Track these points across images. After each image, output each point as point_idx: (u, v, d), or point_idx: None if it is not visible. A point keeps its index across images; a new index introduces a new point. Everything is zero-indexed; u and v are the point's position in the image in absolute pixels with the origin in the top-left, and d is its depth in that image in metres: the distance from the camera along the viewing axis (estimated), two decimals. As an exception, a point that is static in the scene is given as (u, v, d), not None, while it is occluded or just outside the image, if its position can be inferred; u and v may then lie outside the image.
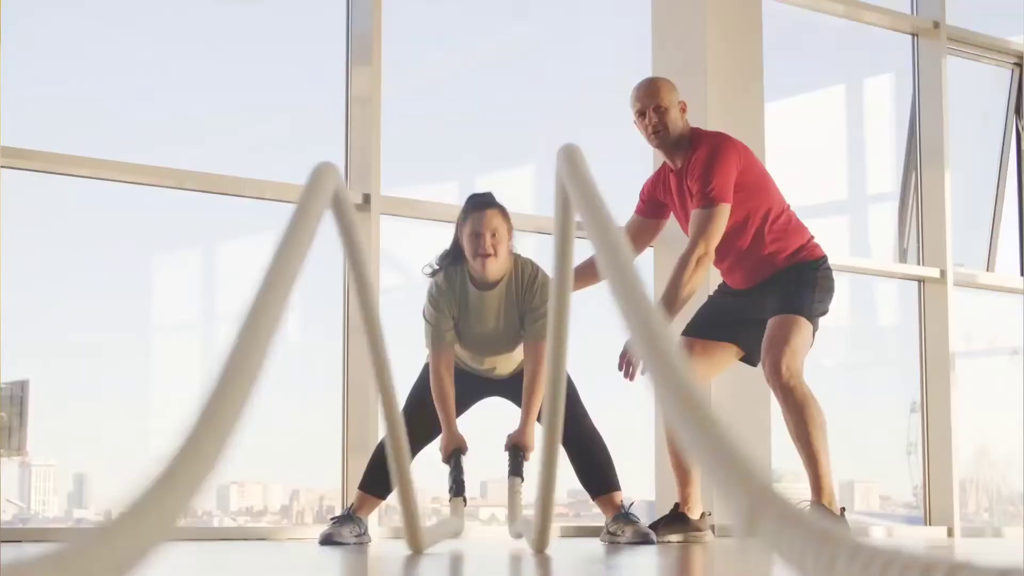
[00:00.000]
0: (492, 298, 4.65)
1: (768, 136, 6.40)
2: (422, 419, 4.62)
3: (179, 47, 6.00)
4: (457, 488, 4.57)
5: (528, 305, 4.64)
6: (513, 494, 4.57)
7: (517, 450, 4.60)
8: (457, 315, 4.67)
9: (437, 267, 4.70)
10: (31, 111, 5.50)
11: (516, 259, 4.68)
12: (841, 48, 7.80)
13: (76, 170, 5.26)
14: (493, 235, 4.56)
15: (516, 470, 4.60)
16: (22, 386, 5.48)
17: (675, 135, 4.94)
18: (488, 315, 4.67)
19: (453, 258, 4.68)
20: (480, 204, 4.62)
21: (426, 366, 4.77)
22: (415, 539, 3.67)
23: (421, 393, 4.70)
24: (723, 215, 4.78)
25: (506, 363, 4.82)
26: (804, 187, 6.21)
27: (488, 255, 4.56)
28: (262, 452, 6.01)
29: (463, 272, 4.66)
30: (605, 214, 2.11)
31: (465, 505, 4.59)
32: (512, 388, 4.80)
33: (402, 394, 4.83)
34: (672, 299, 4.77)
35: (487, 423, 5.22)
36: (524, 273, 4.67)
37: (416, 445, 4.65)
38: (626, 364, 4.75)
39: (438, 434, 4.68)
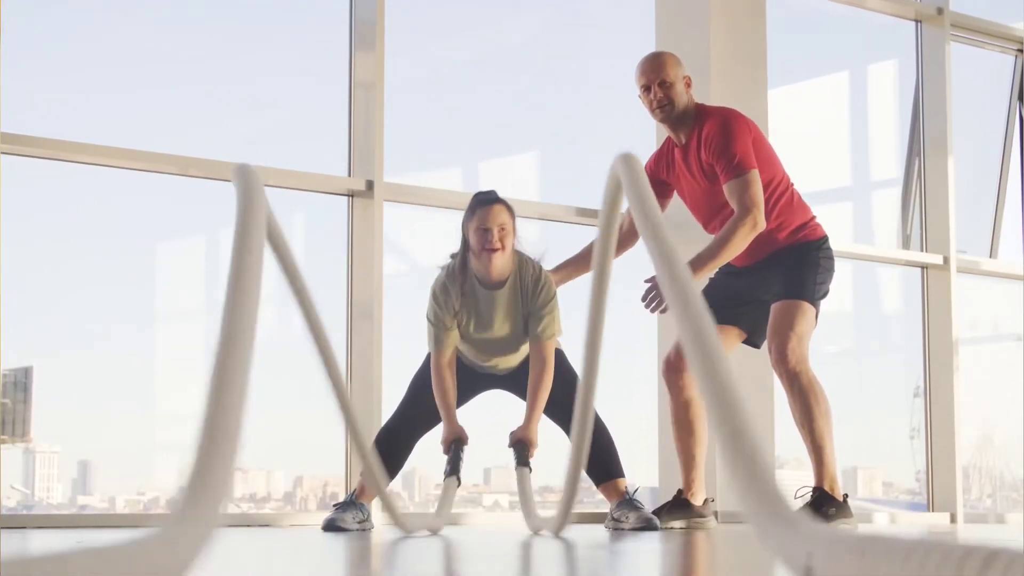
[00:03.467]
0: (500, 297, 4.70)
1: (772, 122, 6.39)
2: (424, 406, 4.64)
3: (182, 34, 5.99)
4: (452, 469, 4.58)
5: (532, 306, 4.70)
6: (523, 485, 4.59)
7: (521, 445, 4.63)
8: (462, 316, 4.70)
9: (444, 273, 4.75)
10: (33, 99, 5.50)
11: (520, 257, 4.73)
12: (844, 34, 7.79)
13: (79, 157, 5.26)
14: (500, 229, 4.64)
15: (522, 461, 4.64)
16: (26, 372, 5.49)
17: (680, 110, 4.94)
18: (495, 315, 4.71)
19: (462, 260, 4.72)
20: (486, 200, 4.69)
21: (428, 355, 4.78)
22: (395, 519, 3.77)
23: (423, 381, 4.72)
24: (757, 179, 4.79)
25: (510, 360, 4.85)
26: (807, 173, 6.20)
27: (495, 249, 4.63)
28: (266, 439, 6.02)
29: (471, 274, 4.71)
30: (660, 224, 2.19)
31: (459, 485, 4.61)
32: (514, 381, 4.83)
33: (402, 384, 4.85)
34: (711, 257, 4.79)
35: (490, 410, 5.23)
36: (528, 272, 4.75)
37: (418, 432, 4.68)
38: (652, 298, 4.76)
39: (439, 421, 4.70)
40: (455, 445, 4.62)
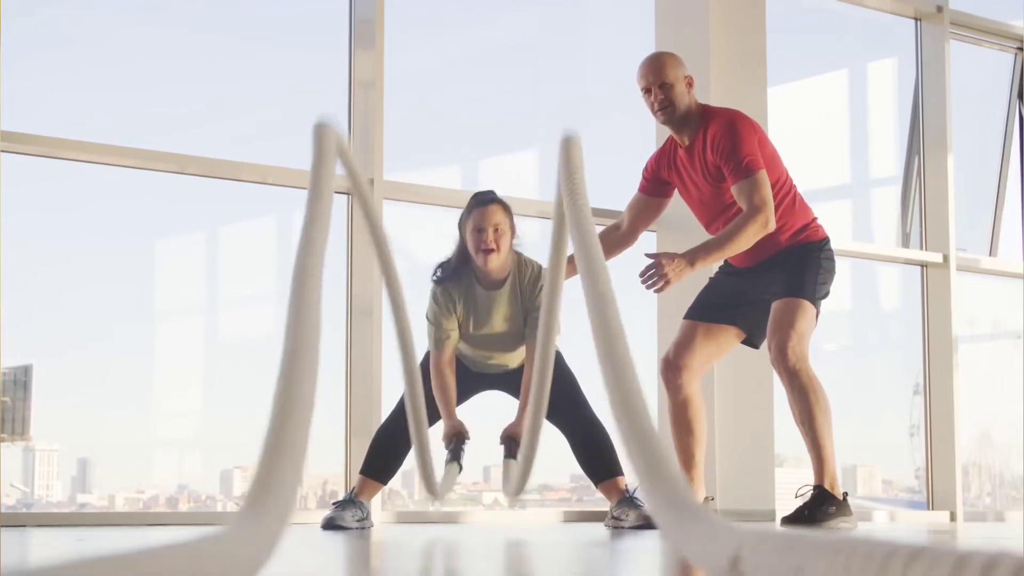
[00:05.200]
0: (499, 297, 4.70)
1: (771, 120, 6.39)
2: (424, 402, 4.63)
3: (181, 32, 5.99)
4: (453, 456, 4.56)
5: (530, 304, 4.68)
6: (508, 470, 4.58)
7: (512, 440, 4.62)
8: (462, 317, 4.70)
9: (441, 272, 4.74)
10: (33, 97, 5.49)
11: (519, 257, 4.73)
12: (844, 32, 7.79)
13: (78, 155, 5.26)
14: (495, 230, 4.64)
15: (511, 454, 4.62)
16: (25, 371, 5.49)
17: (682, 111, 4.92)
18: (495, 315, 4.71)
19: (460, 259, 4.71)
20: (482, 200, 4.68)
21: (427, 353, 4.78)
22: (431, 487, 3.65)
23: (422, 376, 4.71)
24: (766, 180, 4.78)
25: (509, 360, 4.85)
26: (807, 171, 6.21)
27: (491, 250, 4.62)
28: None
29: (470, 272, 4.70)
30: (584, 210, 2.19)
31: (460, 471, 4.58)
32: (513, 382, 4.81)
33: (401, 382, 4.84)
34: (717, 247, 4.76)
35: (490, 409, 5.23)
36: (527, 271, 4.74)
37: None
38: (650, 275, 4.71)
39: (439, 417, 4.69)
40: (456, 440, 4.61)
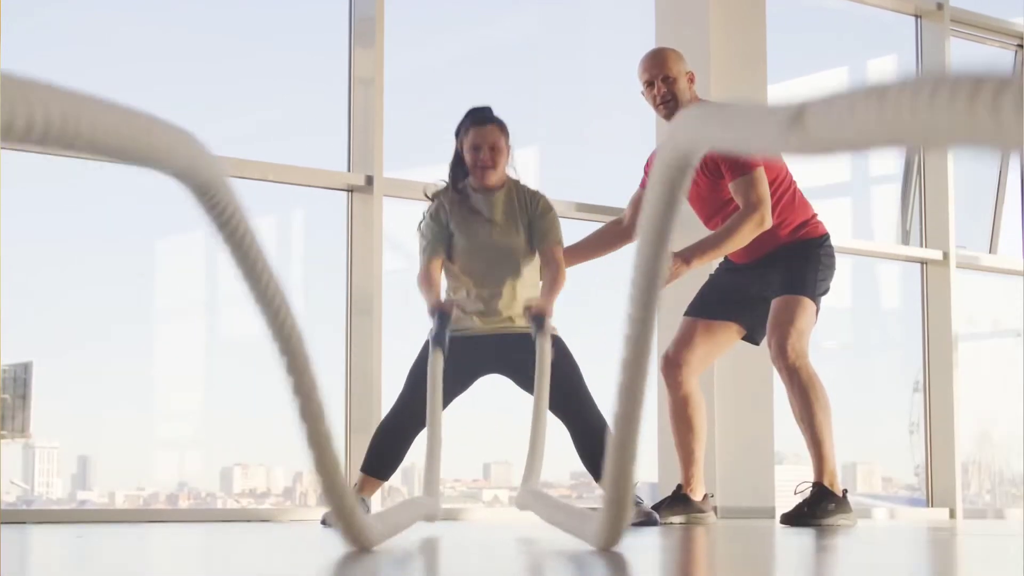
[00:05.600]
0: (498, 199, 4.76)
1: (771, 118, 6.38)
2: (423, 400, 4.62)
3: (182, 30, 5.99)
4: (436, 338, 4.55)
5: (533, 213, 4.78)
6: (543, 354, 4.48)
7: (540, 315, 4.61)
8: (457, 226, 4.72)
9: (445, 181, 4.85)
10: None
11: (516, 180, 4.83)
12: (844, 29, 7.79)
13: (78, 152, 5.25)
14: (492, 148, 4.71)
15: (541, 325, 4.58)
16: (25, 368, 5.50)
17: (684, 105, 4.93)
18: (495, 214, 4.74)
19: (455, 168, 4.82)
20: (480, 119, 4.75)
21: (425, 344, 4.75)
22: (356, 536, 3.03)
23: (420, 373, 4.69)
24: (763, 177, 4.80)
25: (511, 292, 4.75)
26: (807, 168, 6.20)
27: (487, 167, 4.71)
28: (265, 434, 6.02)
29: (466, 184, 4.80)
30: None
31: (444, 356, 4.54)
32: (515, 361, 4.73)
33: (401, 380, 4.84)
34: (713, 246, 4.80)
35: (490, 406, 5.23)
36: (524, 186, 4.83)
37: (417, 426, 4.66)
38: None
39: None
40: (440, 313, 4.60)
